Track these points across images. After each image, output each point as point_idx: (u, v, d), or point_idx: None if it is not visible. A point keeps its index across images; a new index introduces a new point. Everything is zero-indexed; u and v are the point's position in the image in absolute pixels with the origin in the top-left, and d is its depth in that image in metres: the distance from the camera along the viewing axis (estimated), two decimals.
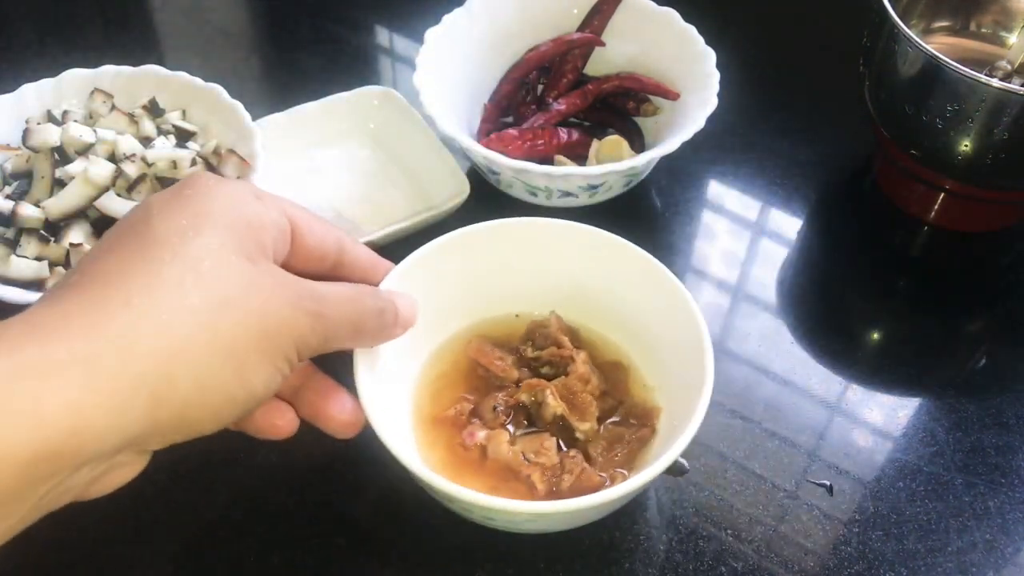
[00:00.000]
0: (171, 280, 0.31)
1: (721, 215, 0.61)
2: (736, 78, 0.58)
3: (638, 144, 0.61)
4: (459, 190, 0.56)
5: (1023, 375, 0.53)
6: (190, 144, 0.56)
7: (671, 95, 0.60)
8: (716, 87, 0.56)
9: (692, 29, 0.60)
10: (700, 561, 0.44)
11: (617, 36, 0.63)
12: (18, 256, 0.49)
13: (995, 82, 0.49)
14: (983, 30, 0.62)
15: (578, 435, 0.44)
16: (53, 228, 0.51)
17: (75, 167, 0.51)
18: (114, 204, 0.50)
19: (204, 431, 0.32)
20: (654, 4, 0.62)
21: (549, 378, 0.46)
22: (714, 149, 0.63)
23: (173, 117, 0.57)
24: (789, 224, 0.61)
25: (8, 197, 0.52)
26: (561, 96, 0.61)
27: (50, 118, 0.55)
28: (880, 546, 0.45)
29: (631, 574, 0.44)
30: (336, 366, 0.40)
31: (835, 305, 0.57)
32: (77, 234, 0.50)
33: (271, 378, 0.33)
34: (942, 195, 0.59)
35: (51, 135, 0.52)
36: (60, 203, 0.50)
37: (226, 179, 0.36)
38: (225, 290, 0.31)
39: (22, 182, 0.53)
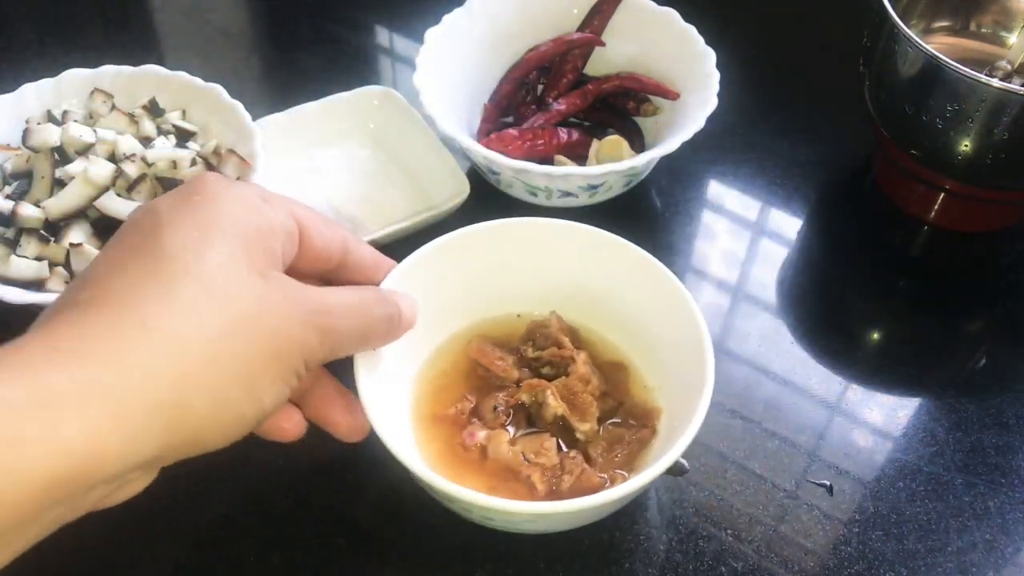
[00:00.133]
0: (185, 302, 0.31)
1: (721, 215, 0.61)
2: (736, 78, 0.58)
3: (638, 144, 0.61)
4: (459, 190, 0.56)
5: (1023, 375, 0.53)
6: (190, 144, 0.56)
7: (671, 95, 0.60)
8: (716, 87, 0.56)
9: (692, 29, 0.60)
10: (700, 561, 0.44)
11: (617, 36, 0.63)
12: (18, 256, 0.49)
13: (995, 82, 0.49)
14: (983, 30, 0.62)
15: (578, 435, 0.44)
16: (53, 228, 0.51)
17: (75, 167, 0.51)
18: (114, 204, 0.50)
19: (214, 448, 0.33)
20: (654, 4, 0.62)
21: (550, 378, 0.46)
22: (714, 149, 0.63)
23: (173, 117, 0.57)
24: (789, 224, 0.61)
25: (8, 197, 0.52)
26: (561, 96, 0.61)
27: (50, 118, 0.55)
28: (880, 546, 0.45)
29: (631, 574, 0.44)
30: (336, 364, 0.40)
31: (835, 305, 0.57)
32: (77, 234, 0.50)
33: (281, 393, 0.34)
34: (942, 195, 0.59)
35: (51, 135, 0.52)
36: (60, 203, 0.50)
37: (234, 181, 0.36)
38: (238, 311, 0.32)
39: (22, 182, 0.53)
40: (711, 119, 0.54)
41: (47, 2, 0.75)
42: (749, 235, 0.60)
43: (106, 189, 0.50)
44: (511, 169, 0.53)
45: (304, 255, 0.38)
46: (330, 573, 0.44)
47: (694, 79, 0.58)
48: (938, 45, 0.59)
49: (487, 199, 0.58)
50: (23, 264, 0.49)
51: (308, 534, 0.44)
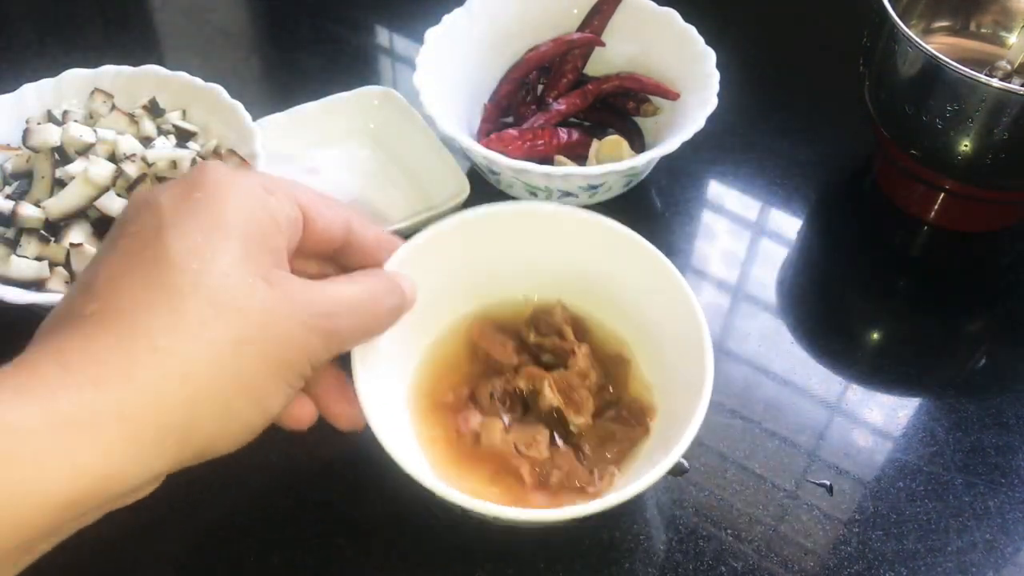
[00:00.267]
0: (193, 320, 0.31)
1: (721, 215, 0.61)
2: (736, 78, 0.58)
3: (638, 144, 0.61)
4: (459, 190, 0.56)
5: (1023, 375, 0.53)
6: (190, 144, 0.56)
7: (671, 95, 0.60)
8: (716, 87, 0.56)
9: (692, 29, 0.60)
10: (700, 561, 0.44)
11: (617, 36, 0.63)
12: (18, 256, 0.49)
13: (995, 82, 0.49)
14: (983, 30, 0.62)
15: (572, 428, 0.44)
16: (53, 228, 0.51)
17: (75, 167, 0.51)
18: (114, 204, 0.50)
19: (222, 454, 0.33)
20: (654, 4, 0.62)
21: (549, 366, 0.46)
22: (714, 149, 0.63)
23: (173, 117, 0.57)
24: (789, 224, 0.61)
25: (8, 197, 0.52)
26: (561, 96, 0.61)
27: (50, 118, 0.55)
28: (880, 546, 0.45)
29: (631, 574, 0.44)
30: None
31: (835, 305, 0.57)
32: (77, 234, 0.50)
33: (287, 397, 0.34)
34: (942, 195, 0.59)
35: (51, 135, 0.52)
36: (60, 203, 0.50)
37: (236, 171, 0.35)
38: (245, 324, 0.32)
39: (22, 182, 0.53)
40: (711, 119, 0.54)
41: (47, 2, 0.75)
42: (749, 235, 0.60)
43: (106, 189, 0.50)
44: (511, 169, 0.53)
45: (307, 239, 0.37)
46: (330, 573, 0.44)
47: (694, 79, 0.58)
48: (938, 45, 0.59)
49: (487, 199, 0.57)
50: (23, 264, 0.49)
51: (308, 534, 0.44)
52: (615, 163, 0.53)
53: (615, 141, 0.59)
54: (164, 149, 0.54)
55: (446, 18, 0.60)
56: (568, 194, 0.56)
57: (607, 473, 0.43)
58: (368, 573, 0.44)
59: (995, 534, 0.46)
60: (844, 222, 0.62)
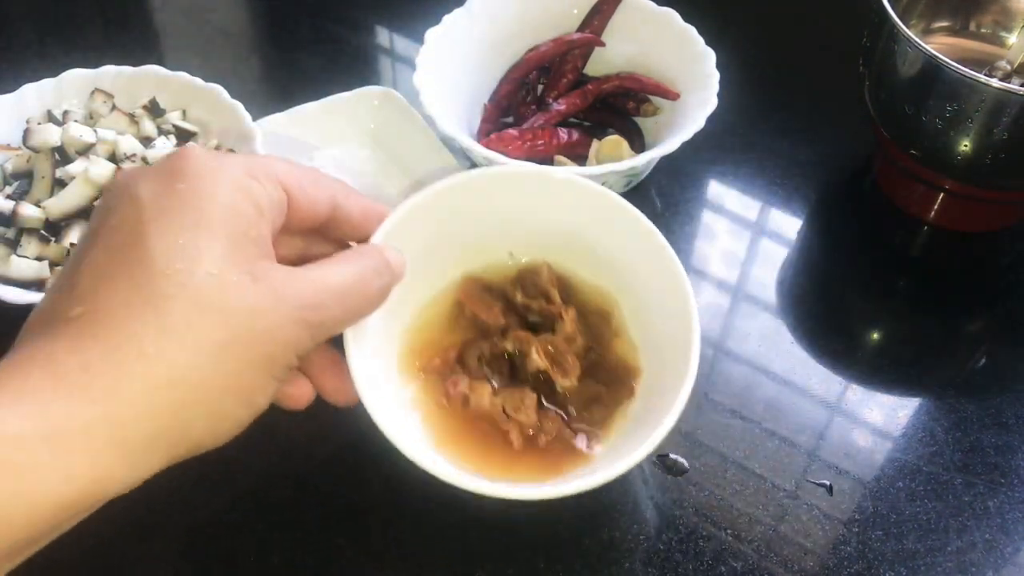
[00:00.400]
0: (179, 321, 0.30)
1: (721, 215, 0.61)
2: (736, 78, 0.58)
3: (638, 144, 0.61)
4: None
5: (1023, 375, 0.53)
6: (190, 144, 0.56)
7: (671, 95, 0.60)
8: (716, 87, 0.56)
9: (692, 29, 0.60)
10: (700, 561, 0.44)
11: (617, 36, 0.63)
12: (19, 256, 0.49)
13: (995, 82, 0.49)
14: (983, 30, 0.62)
15: (558, 389, 0.44)
16: (54, 228, 0.51)
17: (76, 167, 0.51)
18: None
19: (211, 448, 0.33)
20: (654, 4, 0.62)
21: (536, 327, 0.46)
22: (714, 149, 0.63)
23: (173, 117, 0.57)
24: (789, 224, 0.61)
25: (9, 197, 0.52)
26: (561, 96, 0.61)
27: (51, 118, 0.55)
28: (880, 546, 0.45)
29: (631, 574, 0.44)
30: None
31: (835, 305, 0.57)
32: (77, 234, 0.50)
33: (274, 390, 0.34)
34: (942, 195, 0.59)
35: (52, 135, 0.52)
36: (61, 203, 0.50)
37: (217, 157, 0.34)
38: (232, 325, 0.31)
39: (23, 182, 0.53)
40: (711, 119, 0.54)
41: (47, 2, 0.75)
42: (749, 235, 0.60)
43: None
44: None
45: (292, 217, 0.37)
46: (330, 573, 0.44)
47: (694, 79, 0.58)
48: (938, 45, 0.59)
49: None
50: (23, 264, 0.49)
51: (308, 534, 0.44)
52: (615, 163, 0.53)
53: (615, 141, 0.59)
54: (164, 149, 0.54)
55: (446, 18, 0.60)
56: None
57: (594, 435, 0.43)
58: (368, 573, 0.44)
59: (995, 534, 0.46)
60: (844, 222, 0.62)
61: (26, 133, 0.53)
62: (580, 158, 0.60)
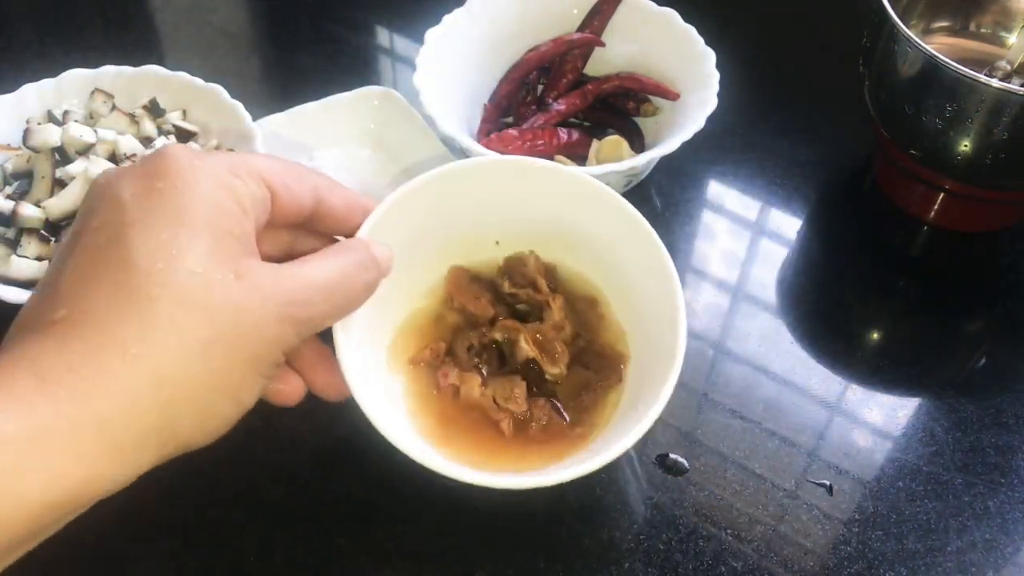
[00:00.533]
0: (162, 321, 0.30)
1: (721, 215, 0.61)
2: (736, 78, 0.58)
3: (638, 144, 0.61)
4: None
5: (1023, 375, 0.53)
6: (191, 144, 0.56)
7: (671, 95, 0.60)
8: (716, 87, 0.56)
9: (692, 29, 0.60)
10: (700, 561, 0.44)
11: (617, 36, 0.63)
12: (19, 256, 0.49)
13: (995, 82, 0.49)
14: (983, 30, 0.62)
15: (547, 377, 0.45)
16: (54, 228, 0.51)
17: (76, 167, 0.51)
18: None
19: (201, 446, 0.33)
20: (654, 4, 0.62)
21: (524, 315, 0.46)
22: (714, 149, 0.63)
23: (173, 117, 0.57)
24: (789, 224, 0.61)
25: (9, 197, 0.52)
26: (561, 96, 0.61)
27: (51, 118, 0.55)
28: (880, 546, 0.45)
29: (631, 574, 0.44)
30: None
31: (835, 305, 0.57)
32: None
33: (261, 387, 0.34)
34: (942, 195, 0.59)
35: (52, 135, 0.52)
36: (61, 203, 0.50)
37: (198, 155, 0.34)
38: (215, 322, 0.31)
39: (23, 182, 0.53)
40: (711, 119, 0.54)
41: (47, 2, 0.75)
42: (749, 235, 0.60)
43: None
44: None
45: (276, 213, 0.36)
46: (330, 573, 0.44)
47: (694, 79, 0.58)
48: (938, 45, 0.59)
49: None
50: (23, 264, 0.49)
51: (308, 533, 0.44)
52: (615, 163, 0.53)
53: (615, 141, 0.59)
54: None
55: (446, 18, 0.60)
56: None
57: (584, 422, 0.43)
58: (368, 573, 0.44)
59: (995, 534, 0.46)
60: (844, 222, 0.62)
61: (26, 133, 0.53)
62: (580, 158, 0.60)
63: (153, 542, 0.44)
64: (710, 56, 0.58)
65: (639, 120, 0.63)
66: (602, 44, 0.63)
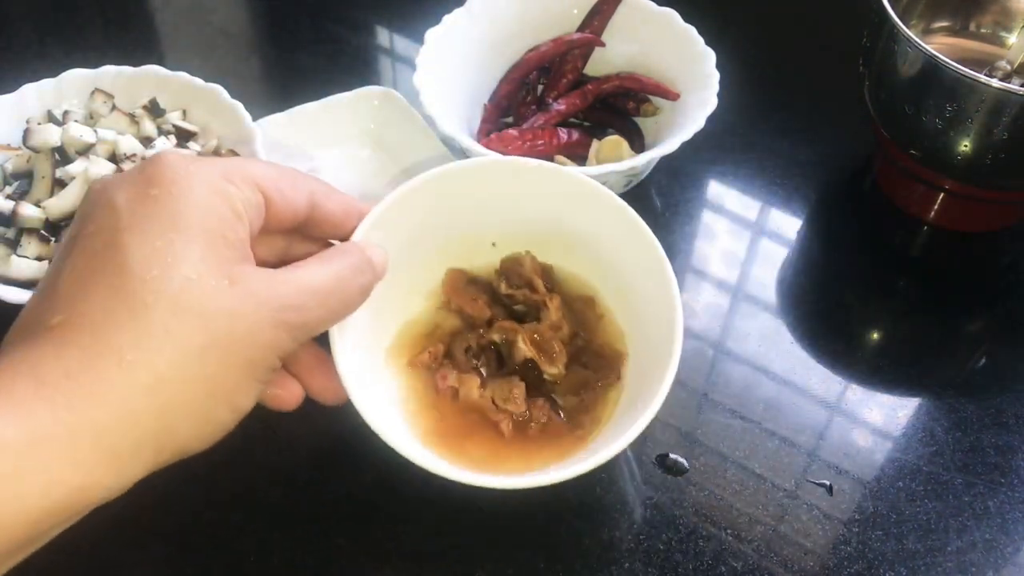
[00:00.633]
0: (157, 327, 0.31)
1: (721, 215, 0.61)
2: (736, 78, 0.58)
3: (638, 144, 0.61)
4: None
5: (1023, 375, 0.53)
6: (191, 144, 0.56)
7: (671, 95, 0.60)
8: (716, 87, 0.56)
9: (692, 29, 0.60)
10: (700, 561, 0.44)
11: (617, 36, 0.63)
12: (19, 256, 0.49)
13: (995, 82, 0.49)
14: (983, 30, 0.62)
15: (546, 377, 0.45)
16: (54, 228, 0.51)
17: (76, 167, 0.51)
18: None
19: (198, 452, 0.33)
20: (654, 4, 0.62)
21: (522, 316, 0.46)
22: (714, 149, 0.63)
23: (173, 117, 0.57)
24: (789, 224, 0.61)
25: (9, 197, 0.52)
26: (561, 96, 0.61)
27: (51, 118, 0.55)
28: (880, 546, 0.45)
29: (631, 574, 0.44)
30: None
31: (835, 305, 0.57)
32: None
33: (257, 393, 0.34)
34: (942, 195, 0.59)
35: (52, 135, 0.52)
36: (61, 203, 0.50)
37: (193, 161, 0.34)
38: (210, 328, 0.31)
39: (23, 182, 0.53)
40: (711, 119, 0.54)
41: (47, 2, 0.75)
42: (749, 235, 0.60)
43: None
44: None
45: (271, 218, 0.36)
46: (330, 573, 0.44)
47: (694, 79, 0.58)
48: (938, 45, 0.59)
49: None
50: (23, 264, 0.49)
51: (308, 534, 0.44)
52: (615, 163, 0.53)
53: (615, 141, 0.59)
54: (165, 149, 0.54)
55: (446, 18, 0.60)
56: None
57: (584, 422, 0.43)
58: (368, 573, 0.44)
59: (995, 534, 0.46)
60: (844, 222, 0.62)
61: (26, 133, 0.53)
62: (580, 158, 0.60)
63: (150, 547, 0.44)
64: (710, 56, 0.58)
65: (639, 120, 0.63)
66: (602, 44, 0.63)
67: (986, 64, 0.57)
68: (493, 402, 0.44)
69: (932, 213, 0.60)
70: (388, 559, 0.44)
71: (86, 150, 0.52)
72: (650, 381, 0.40)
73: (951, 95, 0.51)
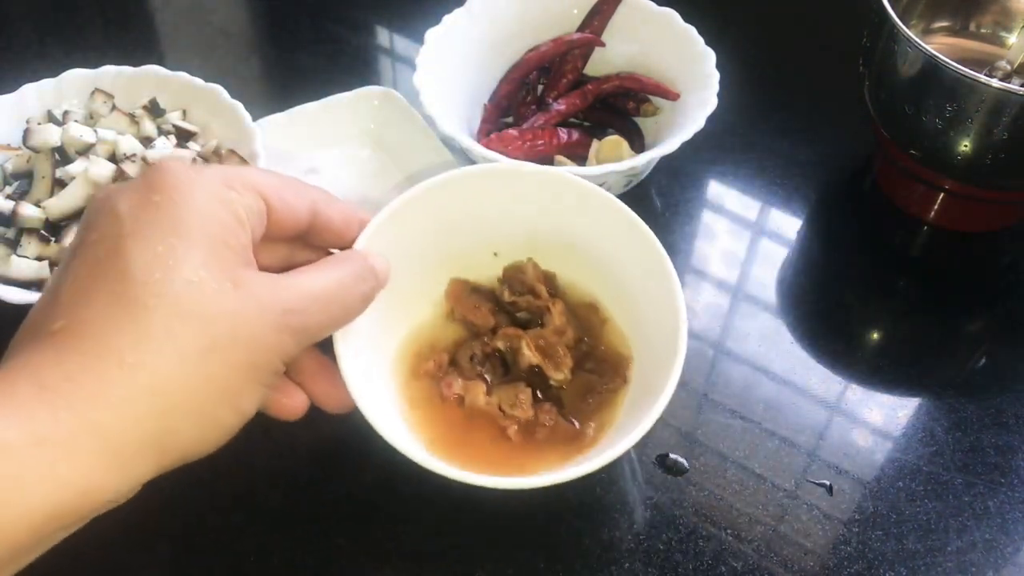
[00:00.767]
0: (160, 332, 0.31)
1: (721, 215, 0.61)
2: (736, 78, 0.58)
3: (638, 144, 0.61)
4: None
5: (1023, 375, 0.53)
6: (191, 144, 0.56)
7: (671, 95, 0.60)
8: (716, 87, 0.56)
9: (692, 29, 0.60)
10: (700, 561, 0.44)
11: (617, 36, 0.63)
12: (19, 256, 0.49)
13: (995, 82, 0.49)
14: (983, 30, 0.62)
15: (552, 383, 0.45)
16: (54, 228, 0.51)
17: (76, 167, 0.51)
18: None
19: (201, 456, 0.33)
20: (654, 4, 0.62)
21: (526, 323, 0.46)
22: (714, 149, 0.63)
23: (173, 117, 0.57)
24: (789, 224, 0.61)
25: (9, 197, 0.52)
26: (561, 96, 0.61)
27: (51, 118, 0.55)
28: (880, 546, 0.45)
29: (631, 574, 0.44)
30: None
31: (835, 305, 0.57)
32: None
33: (261, 396, 0.34)
34: (942, 195, 0.59)
35: (52, 135, 0.52)
36: (61, 203, 0.50)
37: (194, 169, 0.34)
38: (212, 332, 0.31)
39: (23, 182, 0.53)
40: (711, 119, 0.54)
41: (47, 2, 0.75)
42: (749, 235, 0.60)
43: None
44: None
45: (272, 226, 0.37)
46: (330, 573, 0.44)
47: (694, 79, 0.58)
48: (938, 45, 0.59)
49: None
50: (23, 264, 0.49)
51: (308, 534, 0.44)
52: (615, 163, 0.53)
53: (615, 141, 0.59)
54: (165, 149, 0.54)
55: (446, 18, 0.60)
56: None
57: (591, 425, 0.43)
58: (368, 573, 0.44)
59: (995, 534, 0.46)
60: (844, 222, 0.62)
61: (26, 133, 0.53)
62: (580, 158, 0.60)
63: (152, 546, 0.44)
64: (710, 56, 0.58)
65: (639, 120, 0.63)
66: (602, 44, 0.63)
67: (986, 64, 0.57)
68: (500, 408, 0.43)
69: (932, 213, 0.60)
70: (388, 559, 0.44)
71: (86, 150, 0.52)
72: (655, 383, 0.40)
73: (951, 95, 0.51)
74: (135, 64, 0.58)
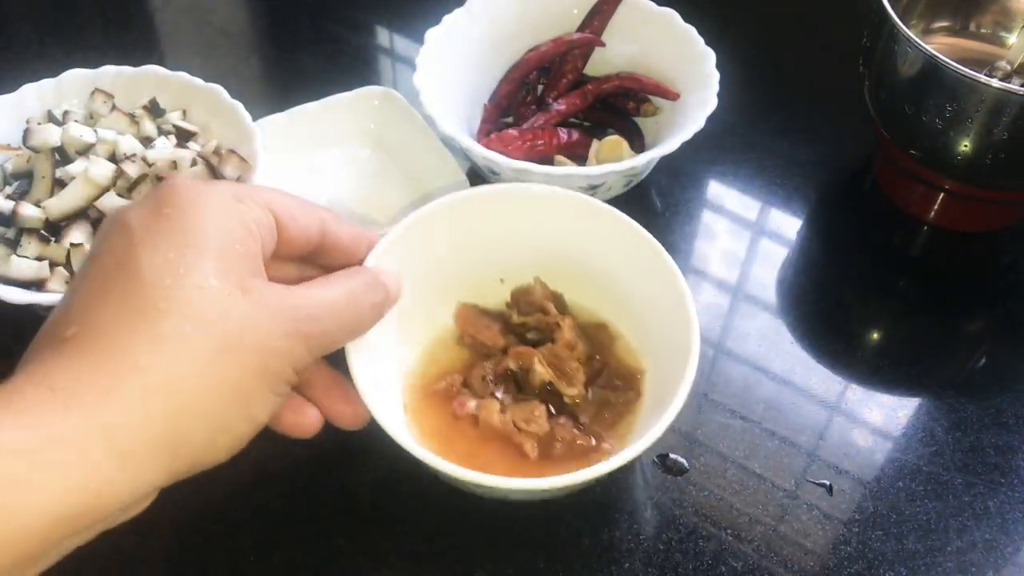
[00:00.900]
0: (172, 334, 0.31)
1: (721, 215, 0.61)
2: (736, 78, 0.58)
3: (638, 144, 0.61)
4: (459, 190, 0.56)
5: (1023, 375, 0.53)
6: (191, 144, 0.56)
7: (671, 95, 0.60)
8: (716, 87, 0.56)
9: (692, 29, 0.60)
10: (700, 561, 0.44)
11: (617, 36, 0.63)
12: (19, 256, 0.49)
13: (995, 82, 0.49)
14: (983, 30, 0.62)
15: (566, 399, 0.45)
16: (54, 228, 0.51)
17: (76, 167, 0.51)
18: (115, 204, 0.50)
19: (213, 465, 0.34)
20: (654, 4, 0.62)
21: (535, 344, 0.46)
22: (714, 149, 0.63)
23: (174, 117, 0.57)
24: (789, 224, 0.61)
25: (9, 197, 0.52)
26: (561, 96, 0.61)
27: (51, 118, 0.55)
28: (880, 546, 0.45)
29: (631, 574, 0.44)
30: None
31: (835, 305, 0.57)
32: (78, 234, 0.50)
33: (274, 404, 0.34)
34: (942, 195, 0.59)
35: (52, 135, 0.52)
36: (61, 203, 0.50)
37: (204, 183, 0.35)
38: (224, 336, 0.32)
39: (23, 182, 0.53)
40: (711, 119, 0.54)
41: (47, 2, 0.75)
42: (749, 235, 0.60)
43: (107, 189, 0.50)
44: (511, 169, 0.53)
45: (282, 243, 0.37)
46: (330, 573, 0.44)
47: (694, 79, 0.58)
48: (938, 45, 0.59)
49: None
50: (23, 264, 0.49)
51: (308, 533, 0.44)
52: (615, 163, 0.53)
53: (615, 141, 0.59)
54: (164, 149, 0.54)
55: (446, 18, 0.60)
56: None
57: (607, 439, 0.43)
58: (368, 573, 0.44)
59: (995, 534, 0.46)
60: (844, 222, 0.62)
61: (26, 133, 0.53)
62: (580, 158, 0.60)
63: (151, 544, 0.44)
64: (710, 56, 0.58)
65: (639, 120, 0.63)
66: (602, 44, 0.63)
67: (986, 64, 0.57)
68: (515, 425, 0.43)
69: (932, 213, 0.60)
70: (387, 559, 0.44)
71: (86, 150, 0.52)
72: (668, 392, 0.40)
73: (951, 95, 0.51)
74: (135, 64, 0.58)
